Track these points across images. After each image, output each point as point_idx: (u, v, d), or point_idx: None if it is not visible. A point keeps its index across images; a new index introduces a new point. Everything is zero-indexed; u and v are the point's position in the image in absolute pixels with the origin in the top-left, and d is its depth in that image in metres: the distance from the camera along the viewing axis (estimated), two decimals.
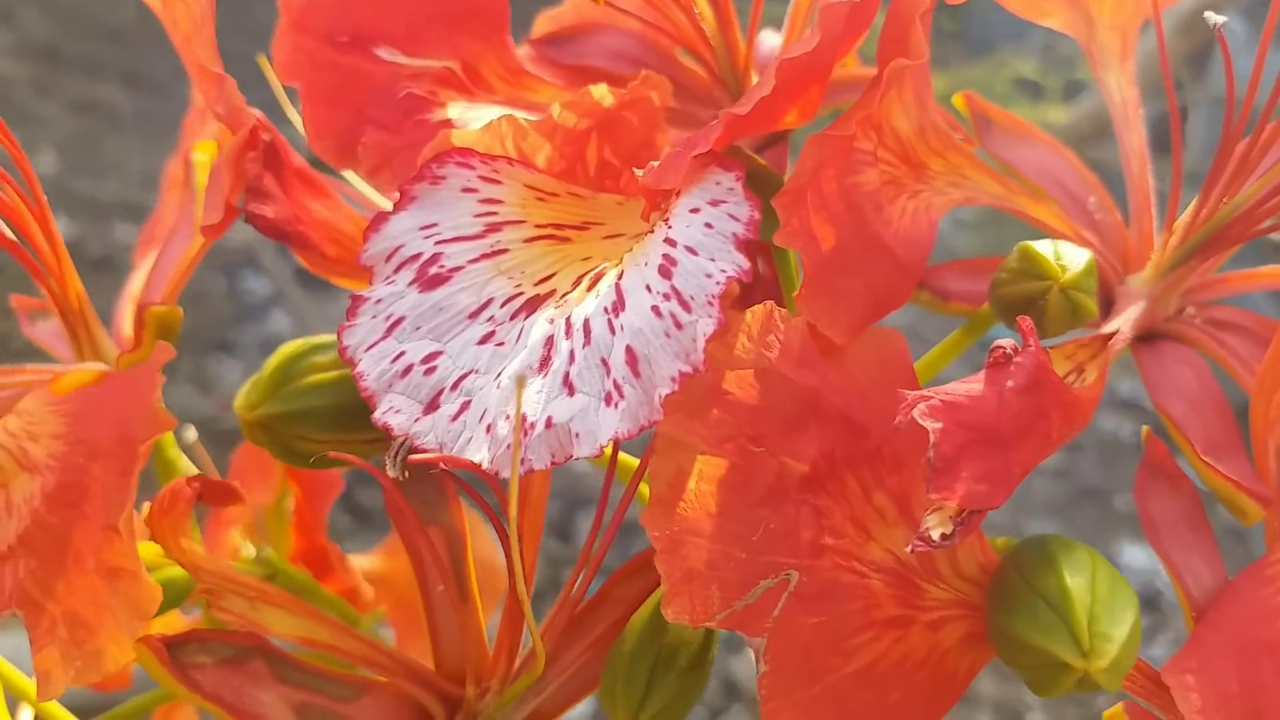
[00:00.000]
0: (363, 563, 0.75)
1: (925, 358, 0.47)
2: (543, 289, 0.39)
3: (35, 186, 0.53)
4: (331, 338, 0.46)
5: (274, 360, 0.44)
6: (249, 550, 0.61)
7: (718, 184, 0.35)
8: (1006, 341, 0.32)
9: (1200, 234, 0.46)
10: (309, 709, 0.39)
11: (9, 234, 0.54)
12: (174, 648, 0.39)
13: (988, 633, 0.34)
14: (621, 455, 0.46)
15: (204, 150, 0.61)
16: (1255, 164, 0.45)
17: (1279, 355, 0.39)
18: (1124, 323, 0.43)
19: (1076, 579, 0.32)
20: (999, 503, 0.31)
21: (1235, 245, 0.46)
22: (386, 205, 0.56)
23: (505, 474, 0.33)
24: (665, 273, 0.34)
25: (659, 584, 0.41)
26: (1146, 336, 0.46)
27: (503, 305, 0.38)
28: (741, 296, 0.46)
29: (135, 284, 0.62)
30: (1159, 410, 0.43)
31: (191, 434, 0.63)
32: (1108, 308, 0.47)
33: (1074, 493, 3.24)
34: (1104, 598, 0.32)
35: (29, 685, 0.54)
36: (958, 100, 0.51)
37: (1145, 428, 0.42)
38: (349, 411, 0.44)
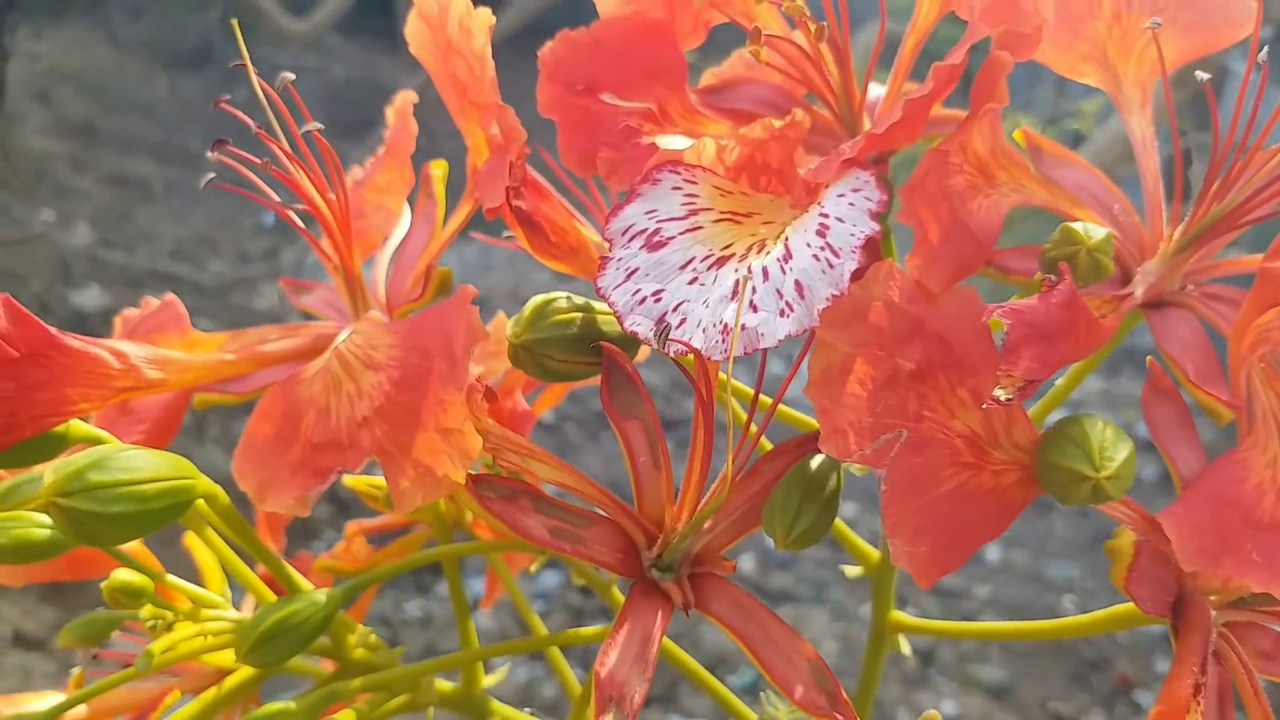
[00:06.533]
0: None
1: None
2: (726, 253, 0.57)
3: (342, 187, 0.74)
4: (560, 293, 0.66)
5: (529, 306, 0.63)
6: None
7: (858, 178, 0.53)
8: (1051, 277, 0.50)
9: (1195, 230, 0.63)
10: (558, 530, 0.57)
11: (307, 229, 0.74)
12: (476, 484, 0.57)
13: (1035, 469, 0.51)
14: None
15: (439, 166, 0.82)
16: (1235, 180, 0.62)
17: (1246, 314, 0.56)
18: (1136, 287, 0.61)
19: (1091, 428, 0.49)
20: (1045, 376, 0.48)
21: (1223, 235, 0.63)
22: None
23: (715, 357, 0.51)
24: (821, 233, 0.53)
25: (796, 459, 0.59)
26: (1157, 304, 0.63)
27: (702, 261, 0.57)
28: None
29: (383, 262, 0.81)
30: (1162, 352, 0.60)
31: None
32: (1127, 284, 0.64)
33: (1095, 533, 3.32)
34: (1110, 438, 0.49)
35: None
36: (1017, 135, 0.69)
37: (1149, 358, 0.59)
38: (581, 340, 0.63)
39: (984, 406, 0.48)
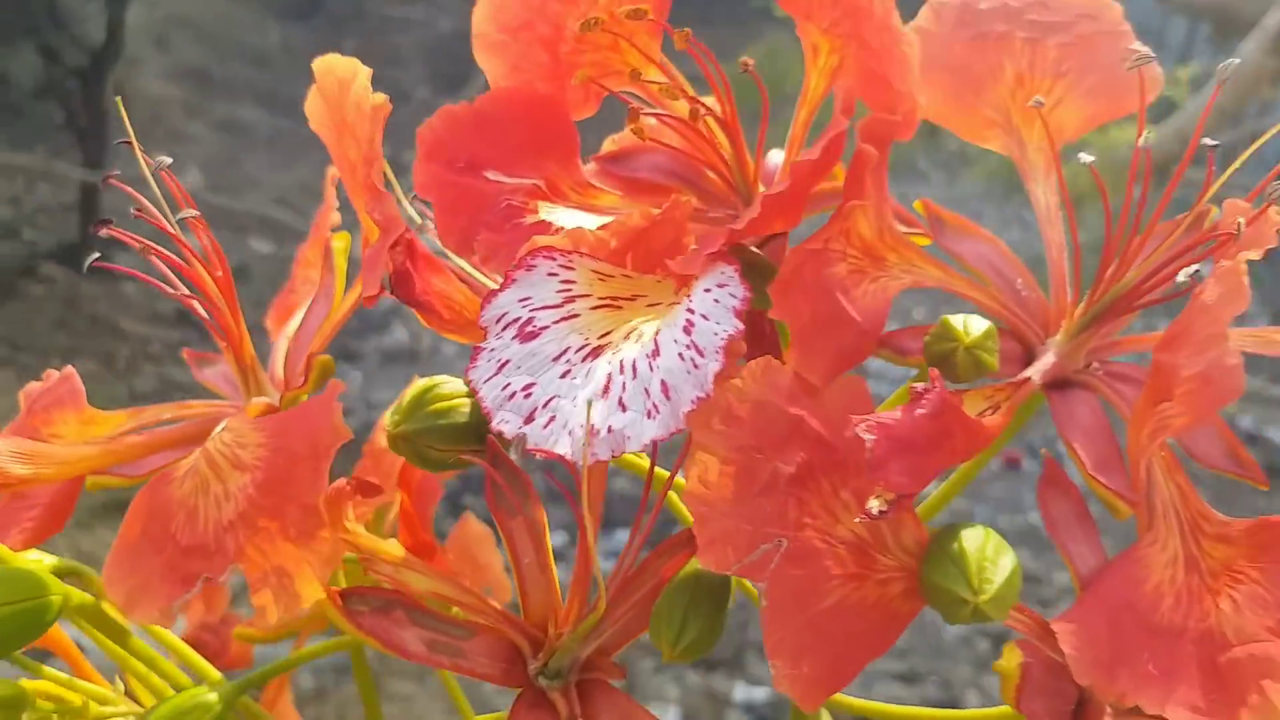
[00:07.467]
0: None
1: (890, 399, 0.62)
2: (603, 341, 0.55)
3: (225, 267, 0.71)
4: (446, 378, 0.63)
5: (410, 393, 0.60)
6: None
7: (722, 273, 0.51)
8: (921, 385, 0.47)
9: (1097, 307, 0.61)
10: (436, 644, 0.55)
11: (201, 310, 0.71)
12: (344, 598, 0.54)
13: (919, 586, 0.49)
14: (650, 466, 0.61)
15: (340, 239, 0.79)
16: (1134, 257, 0.60)
17: (1145, 402, 0.54)
18: (1034, 372, 0.58)
19: (971, 544, 0.47)
20: (915, 490, 0.46)
21: (1123, 315, 0.61)
22: (471, 273, 0.72)
23: (579, 463, 0.49)
24: (688, 330, 0.50)
25: (687, 557, 0.56)
26: (1059, 384, 0.61)
27: (576, 352, 0.54)
28: (753, 349, 0.62)
29: (284, 339, 0.79)
30: (1062, 438, 0.58)
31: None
32: (1029, 362, 0.62)
33: None
34: (991, 557, 0.47)
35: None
36: (918, 205, 0.67)
37: (1044, 450, 0.56)
38: (460, 430, 0.60)
39: (856, 521, 0.46)
